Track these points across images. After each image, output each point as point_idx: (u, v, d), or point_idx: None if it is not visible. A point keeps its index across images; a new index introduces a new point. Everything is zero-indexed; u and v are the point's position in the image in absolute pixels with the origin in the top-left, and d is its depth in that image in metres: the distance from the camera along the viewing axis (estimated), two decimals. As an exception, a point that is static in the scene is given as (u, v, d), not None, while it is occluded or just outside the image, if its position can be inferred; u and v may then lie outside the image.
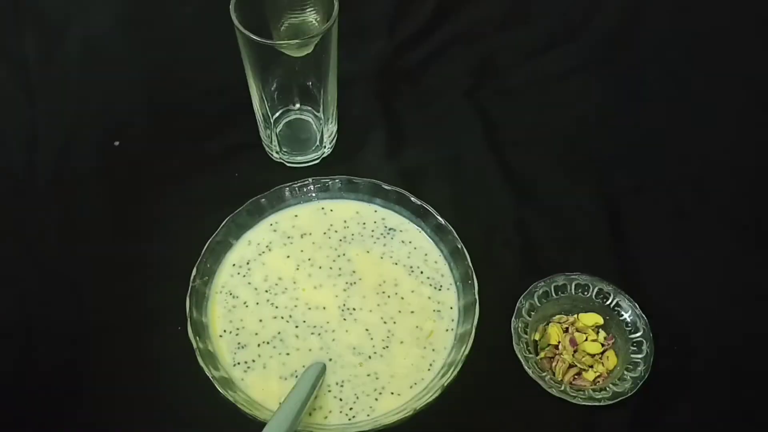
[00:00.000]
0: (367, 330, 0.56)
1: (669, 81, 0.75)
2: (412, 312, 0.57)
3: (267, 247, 0.59)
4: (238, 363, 0.54)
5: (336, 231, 0.61)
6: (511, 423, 0.55)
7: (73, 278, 0.61)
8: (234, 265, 0.58)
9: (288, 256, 0.59)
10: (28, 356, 0.57)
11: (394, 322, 0.56)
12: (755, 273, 0.62)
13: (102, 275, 0.61)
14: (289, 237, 0.60)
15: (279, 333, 0.55)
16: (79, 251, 0.62)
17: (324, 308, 0.57)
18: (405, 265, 0.59)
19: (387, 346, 0.55)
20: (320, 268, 0.59)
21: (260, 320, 0.56)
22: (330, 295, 0.57)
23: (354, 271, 0.58)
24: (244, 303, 0.57)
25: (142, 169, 0.67)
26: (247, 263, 0.59)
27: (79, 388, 0.56)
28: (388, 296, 0.57)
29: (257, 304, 0.57)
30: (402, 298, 0.57)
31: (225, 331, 0.55)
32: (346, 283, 0.58)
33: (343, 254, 0.59)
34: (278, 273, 0.58)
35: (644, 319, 0.56)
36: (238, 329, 0.56)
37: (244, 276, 0.58)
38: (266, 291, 0.57)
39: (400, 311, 0.57)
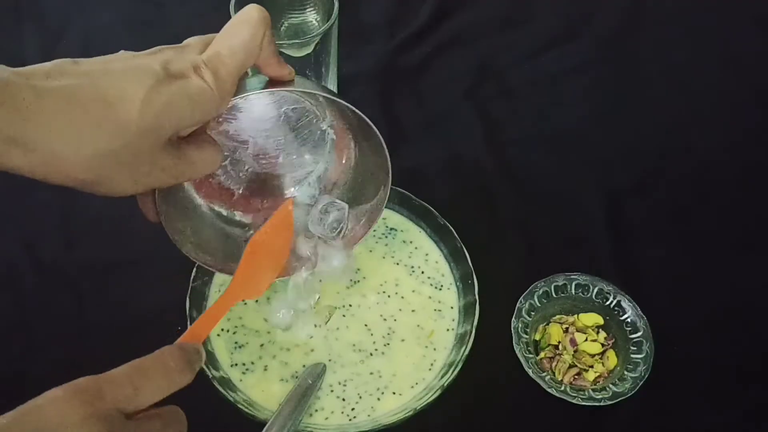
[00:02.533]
0: (366, 326, 0.56)
1: (669, 81, 0.75)
2: (413, 311, 0.57)
3: (267, 246, 0.59)
4: (237, 363, 0.54)
5: (336, 231, 0.60)
6: (511, 423, 0.55)
7: (73, 278, 0.61)
8: (234, 264, 0.58)
9: (288, 256, 0.59)
10: (28, 356, 0.57)
11: (395, 320, 0.56)
12: (755, 273, 0.62)
13: (101, 275, 0.61)
14: (289, 237, 0.60)
15: (279, 333, 0.55)
16: (78, 252, 0.62)
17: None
18: (406, 264, 0.59)
19: (388, 343, 0.55)
20: (321, 267, 0.59)
21: (260, 320, 0.56)
22: (330, 294, 0.57)
23: (355, 271, 0.58)
24: (244, 302, 0.57)
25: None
26: (247, 263, 0.58)
27: (79, 388, 0.56)
28: (389, 296, 0.57)
29: (257, 303, 0.57)
30: (402, 298, 0.57)
31: (223, 330, 0.55)
32: (348, 282, 0.58)
33: (344, 254, 0.59)
34: (278, 273, 0.58)
35: (644, 319, 0.56)
36: (236, 328, 0.55)
37: (244, 276, 0.58)
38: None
39: (400, 310, 0.57)
